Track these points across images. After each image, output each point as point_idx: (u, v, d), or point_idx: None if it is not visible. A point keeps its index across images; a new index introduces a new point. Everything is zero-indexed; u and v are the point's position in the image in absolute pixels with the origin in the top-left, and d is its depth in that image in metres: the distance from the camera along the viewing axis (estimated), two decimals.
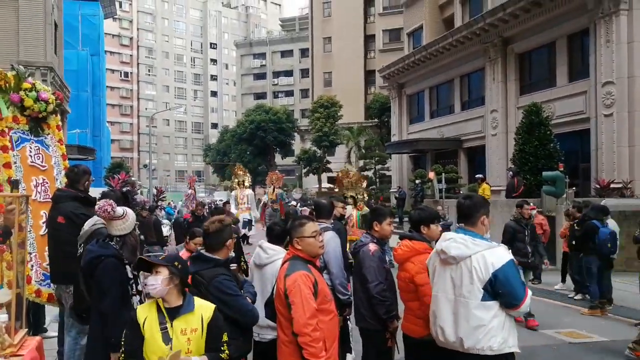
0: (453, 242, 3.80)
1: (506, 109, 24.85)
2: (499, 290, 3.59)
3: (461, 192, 25.64)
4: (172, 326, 3.33)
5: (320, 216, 5.95)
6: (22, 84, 6.64)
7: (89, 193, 6.18)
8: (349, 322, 5.88)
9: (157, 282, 3.33)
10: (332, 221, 6.28)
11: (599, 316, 9.97)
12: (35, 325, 6.98)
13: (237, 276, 4.38)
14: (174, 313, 3.37)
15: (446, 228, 13.97)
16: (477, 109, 27.49)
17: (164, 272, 3.36)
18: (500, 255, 3.66)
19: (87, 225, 5.11)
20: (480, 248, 3.69)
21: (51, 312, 7.70)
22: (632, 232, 10.09)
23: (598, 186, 17.92)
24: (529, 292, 3.69)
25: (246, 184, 17.41)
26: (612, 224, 10.77)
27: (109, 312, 4.33)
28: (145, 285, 3.36)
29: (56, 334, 6.76)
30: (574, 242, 11.35)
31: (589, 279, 10.36)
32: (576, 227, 10.93)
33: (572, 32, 21.48)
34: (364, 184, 13.06)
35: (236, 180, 17.53)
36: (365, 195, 13.00)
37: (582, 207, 11.71)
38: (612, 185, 17.62)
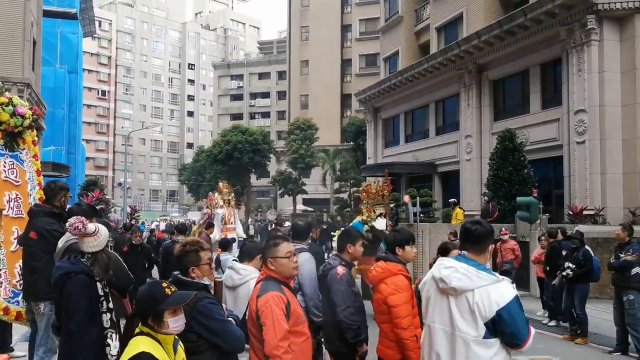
0: (454, 272, 3.42)
1: (480, 134, 25.14)
2: (502, 329, 3.29)
3: (435, 216, 25.77)
4: None
5: (297, 237, 5.91)
6: None
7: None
8: (323, 345, 5.83)
9: (183, 320, 3.20)
10: (309, 242, 6.24)
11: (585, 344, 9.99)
12: (1, 343, 6.83)
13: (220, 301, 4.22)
14: (171, 348, 3.21)
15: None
16: (452, 134, 27.77)
17: (181, 310, 3.21)
18: (505, 292, 3.32)
19: (61, 242, 5.01)
20: (484, 282, 3.33)
21: (19, 331, 7.52)
22: (604, 258, 10.21)
23: (571, 212, 18.14)
24: (533, 331, 3.40)
25: (231, 202, 16.79)
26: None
27: (76, 330, 4.23)
28: (169, 326, 3.11)
29: (23, 353, 6.62)
30: (548, 268, 11.47)
31: (581, 307, 10.29)
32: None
33: (545, 60, 21.90)
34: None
35: (221, 198, 16.77)
36: (386, 212, 10.71)
37: (555, 233, 11.84)
38: (584, 212, 17.84)
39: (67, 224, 4.49)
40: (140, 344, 3.05)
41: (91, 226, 4.51)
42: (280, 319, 3.80)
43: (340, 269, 4.98)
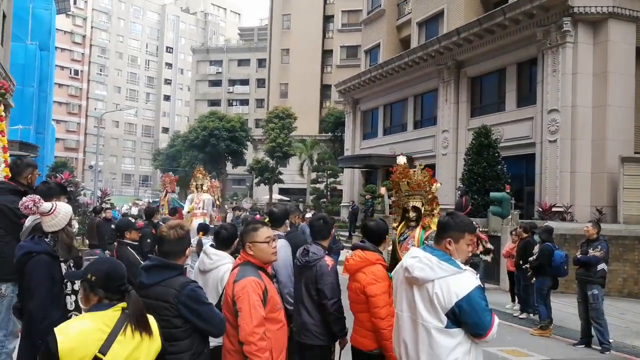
0: (418, 261, 3.39)
1: (457, 129, 25.40)
2: (464, 320, 3.23)
3: None
4: None
5: (273, 224, 5.75)
6: None
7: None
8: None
9: None
10: (287, 229, 6.14)
11: (548, 336, 10.23)
12: None
13: None
14: None
15: None
16: (429, 128, 27.98)
17: None
18: (465, 283, 3.26)
19: (29, 221, 4.72)
20: (445, 273, 3.29)
21: None
22: (572, 254, 10.44)
23: (541, 209, 18.45)
24: (496, 320, 3.31)
25: (204, 187, 16.37)
26: None
27: (36, 311, 4.07)
28: None
29: None
30: (521, 262, 11.72)
31: (540, 300, 10.57)
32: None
33: (522, 60, 22.18)
34: (436, 186, 8.07)
35: (194, 183, 16.43)
36: (435, 205, 7.86)
37: (529, 228, 12.09)
38: (553, 209, 18.13)
39: (19, 204, 4.28)
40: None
41: (46, 205, 4.27)
42: (257, 305, 3.74)
43: (329, 260, 4.86)
